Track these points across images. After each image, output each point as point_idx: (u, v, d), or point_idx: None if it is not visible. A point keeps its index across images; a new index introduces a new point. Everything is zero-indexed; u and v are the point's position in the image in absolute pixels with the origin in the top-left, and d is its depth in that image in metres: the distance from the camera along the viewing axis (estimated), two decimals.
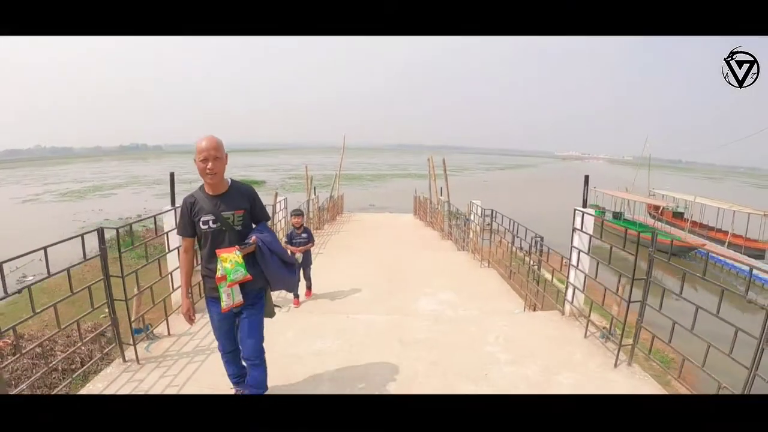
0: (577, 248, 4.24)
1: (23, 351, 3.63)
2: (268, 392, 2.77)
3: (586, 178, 4.30)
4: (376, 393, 3.01)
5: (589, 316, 4.05)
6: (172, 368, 3.34)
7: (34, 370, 4.73)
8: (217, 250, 2.41)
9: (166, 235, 4.15)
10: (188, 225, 2.51)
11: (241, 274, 2.39)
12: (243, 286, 2.47)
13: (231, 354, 2.77)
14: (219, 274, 2.39)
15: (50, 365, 4.09)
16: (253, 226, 2.60)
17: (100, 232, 3.17)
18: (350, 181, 44.44)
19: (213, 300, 2.57)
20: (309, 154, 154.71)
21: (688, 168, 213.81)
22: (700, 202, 22.01)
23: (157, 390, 3.03)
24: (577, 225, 4.26)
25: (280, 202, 7.84)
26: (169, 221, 4.10)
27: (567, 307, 4.49)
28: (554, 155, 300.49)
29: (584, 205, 4.25)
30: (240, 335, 2.64)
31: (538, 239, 5.11)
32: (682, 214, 23.88)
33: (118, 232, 3.53)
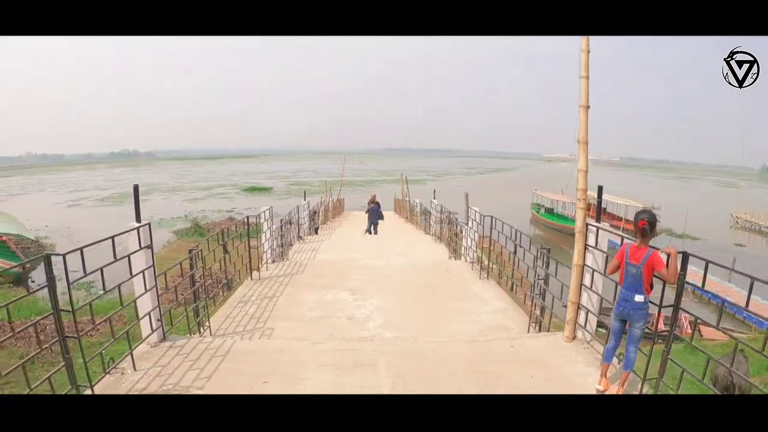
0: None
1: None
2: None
3: (466, 195, 11.56)
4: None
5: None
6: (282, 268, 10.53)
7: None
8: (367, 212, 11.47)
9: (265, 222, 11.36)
10: (366, 208, 11.37)
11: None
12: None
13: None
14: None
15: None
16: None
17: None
18: (344, 187, 50.95)
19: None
20: (300, 160, 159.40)
21: (670, 168, 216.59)
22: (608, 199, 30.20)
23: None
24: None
25: (322, 201, 15.36)
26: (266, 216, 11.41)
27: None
28: (541, 157, 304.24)
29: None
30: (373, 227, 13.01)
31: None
32: (605, 208, 31.81)
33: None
